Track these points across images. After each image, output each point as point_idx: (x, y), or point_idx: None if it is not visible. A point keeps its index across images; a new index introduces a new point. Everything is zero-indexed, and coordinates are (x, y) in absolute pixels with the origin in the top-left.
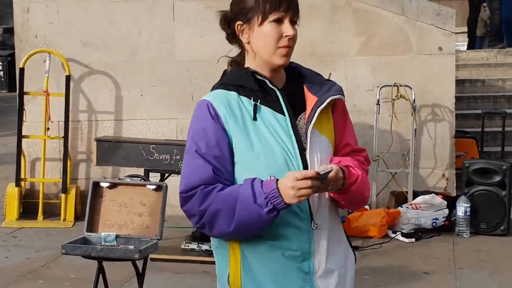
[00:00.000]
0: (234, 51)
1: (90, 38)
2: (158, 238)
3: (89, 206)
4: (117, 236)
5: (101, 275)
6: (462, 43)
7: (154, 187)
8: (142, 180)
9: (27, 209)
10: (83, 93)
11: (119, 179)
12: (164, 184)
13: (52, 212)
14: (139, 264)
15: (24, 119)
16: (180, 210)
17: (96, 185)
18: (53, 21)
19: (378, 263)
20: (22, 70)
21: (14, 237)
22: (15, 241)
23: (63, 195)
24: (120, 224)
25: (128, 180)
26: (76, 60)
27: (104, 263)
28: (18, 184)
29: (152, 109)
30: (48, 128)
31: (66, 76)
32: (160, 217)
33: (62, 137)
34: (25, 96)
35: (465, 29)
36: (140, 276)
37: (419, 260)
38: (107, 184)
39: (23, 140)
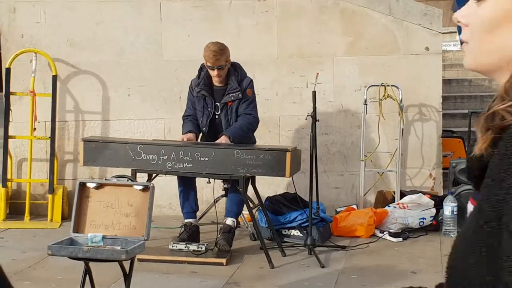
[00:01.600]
0: None
1: (77, 38)
2: (145, 238)
3: (75, 206)
4: (103, 237)
5: (88, 276)
6: (449, 43)
7: (141, 187)
8: (129, 181)
9: (14, 210)
10: (70, 93)
11: (105, 179)
12: (151, 185)
13: (39, 212)
14: (126, 264)
15: (11, 120)
16: (167, 210)
17: (83, 185)
18: (40, 21)
19: (365, 262)
20: (8, 70)
21: (0, 238)
22: (1, 242)
23: (50, 196)
24: (107, 225)
25: (114, 180)
26: (62, 60)
27: (91, 264)
28: (4, 185)
29: (140, 110)
30: (35, 129)
31: (53, 76)
32: (147, 218)
33: (49, 137)
34: (12, 96)
35: (453, 29)
36: (127, 277)
37: (407, 259)
38: (94, 185)
39: (10, 140)
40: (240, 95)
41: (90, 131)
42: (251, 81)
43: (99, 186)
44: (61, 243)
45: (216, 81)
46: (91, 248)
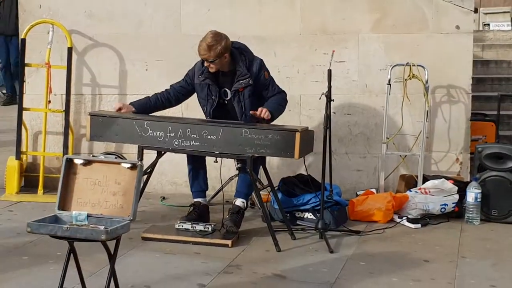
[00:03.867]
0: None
1: (94, 10)
2: (131, 219)
3: (61, 183)
4: (89, 215)
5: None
6: (502, 23)
7: (129, 165)
8: (117, 158)
9: (30, 183)
10: (87, 66)
11: (93, 156)
12: (139, 163)
13: (54, 186)
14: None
15: (24, 91)
16: (183, 188)
17: (70, 161)
18: None
19: (377, 249)
20: (23, 41)
21: (10, 211)
22: (9, 215)
23: None
24: (94, 203)
25: (102, 157)
26: (80, 32)
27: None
28: (18, 157)
29: (157, 84)
30: (50, 101)
31: (68, 48)
32: (133, 197)
33: (63, 110)
34: (29, 68)
35: (507, 8)
36: (111, 258)
37: (422, 247)
38: (81, 161)
39: (26, 113)
40: (250, 81)
41: (106, 105)
42: (261, 61)
43: (87, 162)
44: (43, 220)
45: (212, 70)
46: (71, 227)
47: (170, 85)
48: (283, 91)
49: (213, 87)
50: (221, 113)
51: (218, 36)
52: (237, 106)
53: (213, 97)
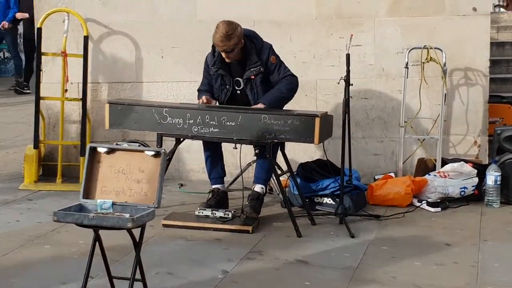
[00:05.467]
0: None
1: None
2: (156, 206)
3: (85, 171)
4: (113, 204)
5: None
6: None
7: (152, 153)
8: (140, 146)
9: (48, 171)
10: (102, 54)
11: (116, 144)
12: (163, 150)
13: (72, 175)
14: (138, 232)
15: (41, 81)
16: (201, 175)
17: (93, 150)
18: None
19: (398, 233)
20: (39, 30)
21: (29, 200)
22: (29, 204)
23: (81, 158)
24: (118, 191)
25: (126, 145)
26: (95, 20)
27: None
28: (36, 146)
29: (173, 72)
30: (66, 90)
31: (84, 36)
32: (158, 185)
33: (80, 99)
34: (45, 57)
35: None
36: (137, 245)
37: (443, 231)
38: (105, 149)
39: (44, 102)
40: (261, 69)
41: (123, 93)
42: (270, 46)
43: (110, 151)
44: (69, 209)
45: (229, 60)
46: (96, 216)
47: (200, 89)
48: (290, 75)
49: (227, 77)
50: (234, 102)
51: (231, 24)
52: (250, 94)
53: (227, 87)
